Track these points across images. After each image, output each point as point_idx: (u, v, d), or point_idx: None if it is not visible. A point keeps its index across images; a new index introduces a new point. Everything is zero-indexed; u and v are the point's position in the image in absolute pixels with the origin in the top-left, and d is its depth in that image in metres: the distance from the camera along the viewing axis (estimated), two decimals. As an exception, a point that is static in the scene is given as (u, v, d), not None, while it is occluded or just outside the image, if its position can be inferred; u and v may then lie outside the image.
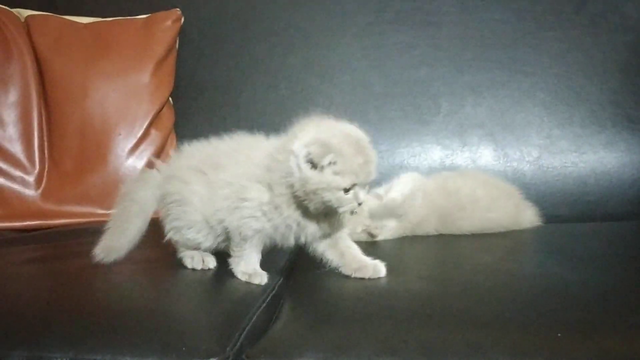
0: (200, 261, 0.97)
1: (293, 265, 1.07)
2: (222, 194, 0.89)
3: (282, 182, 0.84)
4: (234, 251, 0.91)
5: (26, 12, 1.61)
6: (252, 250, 0.91)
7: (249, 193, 0.86)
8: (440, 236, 1.26)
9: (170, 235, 0.98)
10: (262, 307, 0.84)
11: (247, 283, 0.91)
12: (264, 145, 0.91)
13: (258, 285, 0.90)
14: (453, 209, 1.26)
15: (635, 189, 1.46)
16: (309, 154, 0.81)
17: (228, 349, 0.70)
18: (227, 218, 0.89)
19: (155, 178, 1.01)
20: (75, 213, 1.47)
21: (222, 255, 0.98)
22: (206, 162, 0.93)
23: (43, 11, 1.63)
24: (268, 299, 0.87)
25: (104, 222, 1.00)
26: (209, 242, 0.95)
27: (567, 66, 1.56)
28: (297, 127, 0.87)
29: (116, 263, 1.02)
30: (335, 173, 0.81)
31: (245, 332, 0.75)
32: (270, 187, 0.85)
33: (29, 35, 1.56)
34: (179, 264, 0.98)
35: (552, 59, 1.56)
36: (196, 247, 0.97)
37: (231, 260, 0.93)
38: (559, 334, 0.67)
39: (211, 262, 0.98)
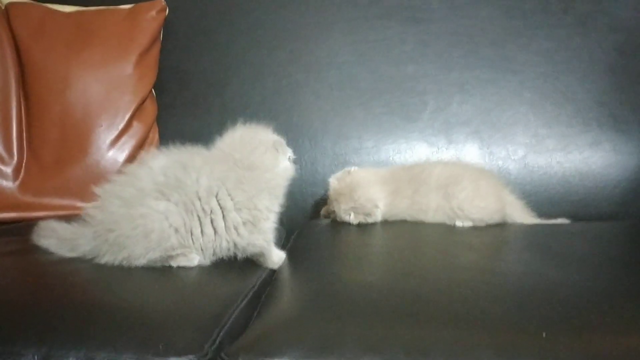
0: (184, 257, 0.94)
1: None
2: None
3: None
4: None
5: (6, 0, 1.57)
6: None
7: None
8: (421, 233, 1.25)
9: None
10: (243, 304, 0.82)
11: (229, 280, 0.90)
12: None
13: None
14: None
15: (620, 189, 1.47)
16: None
17: (207, 346, 0.68)
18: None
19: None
20: (54, 205, 1.43)
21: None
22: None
23: (24, -1, 1.59)
24: (250, 295, 0.86)
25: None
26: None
27: (555, 65, 1.55)
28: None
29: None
30: None
31: (225, 329, 0.73)
32: None
33: (8, 23, 1.52)
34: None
35: (539, 58, 1.56)
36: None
37: None
38: (544, 334, 0.66)
39: (195, 258, 0.95)
